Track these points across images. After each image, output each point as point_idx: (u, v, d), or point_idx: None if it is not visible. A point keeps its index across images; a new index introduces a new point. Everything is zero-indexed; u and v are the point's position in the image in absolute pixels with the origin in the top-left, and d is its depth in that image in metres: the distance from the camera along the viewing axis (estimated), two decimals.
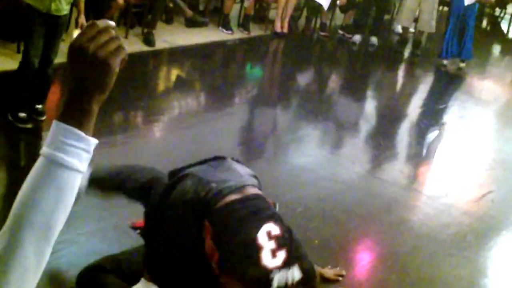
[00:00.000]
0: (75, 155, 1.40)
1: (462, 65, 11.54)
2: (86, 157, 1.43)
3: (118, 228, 4.66)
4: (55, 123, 1.41)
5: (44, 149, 1.42)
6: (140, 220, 4.54)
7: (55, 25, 5.87)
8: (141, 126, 7.19)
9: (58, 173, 1.39)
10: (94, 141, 1.43)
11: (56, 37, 5.99)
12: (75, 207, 1.49)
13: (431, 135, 8.29)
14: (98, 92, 1.41)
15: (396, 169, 7.08)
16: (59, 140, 1.39)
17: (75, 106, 1.40)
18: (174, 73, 9.52)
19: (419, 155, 7.76)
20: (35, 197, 1.38)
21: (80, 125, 1.39)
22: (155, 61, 9.44)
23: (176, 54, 9.58)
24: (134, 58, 8.49)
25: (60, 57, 6.17)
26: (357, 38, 12.13)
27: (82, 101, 1.40)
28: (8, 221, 1.39)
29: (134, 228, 4.52)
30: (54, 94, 6.87)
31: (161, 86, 8.90)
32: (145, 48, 9.12)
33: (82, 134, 1.40)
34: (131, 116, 7.35)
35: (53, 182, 1.38)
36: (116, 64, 1.41)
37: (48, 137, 1.41)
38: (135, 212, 4.74)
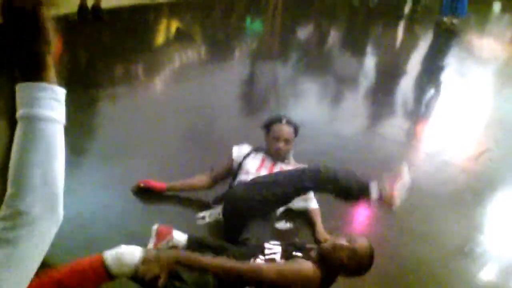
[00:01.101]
0: (45, 105, 1.43)
1: (455, 21, 11.50)
2: (56, 105, 1.47)
3: (122, 180, 4.69)
4: (18, 87, 1.43)
5: (18, 113, 1.44)
6: (149, 180, 4.59)
7: None
8: (142, 78, 7.18)
9: (35, 127, 1.42)
10: (60, 90, 1.48)
11: None
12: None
13: (431, 92, 8.30)
14: (41, 42, 1.42)
15: (396, 125, 7.11)
16: (25, 98, 1.42)
17: (27, 63, 1.43)
18: (175, 26, 9.48)
19: (418, 112, 7.78)
20: (26, 158, 1.40)
21: (39, 79, 1.43)
22: (155, 13, 9.39)
23: (177, 7, 9.53)
24: (135, 11, 8.46)
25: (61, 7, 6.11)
26: None
27: (30, 55, 1.42)
28: (9, 193, 1.39)
29: (145, 188, 4.55)
30: (56, 45, 6.83)
31: (162, 38, 8.87)
32: (145, 0, 9.07)
33: (44, 84, 1.43)
34: (133, 69, 7.34)
35: (34, 137, 1.41)
36: (42, 10, 1.40)
37: (16, 101, 1.43)
38: (139, 165, 4.80)
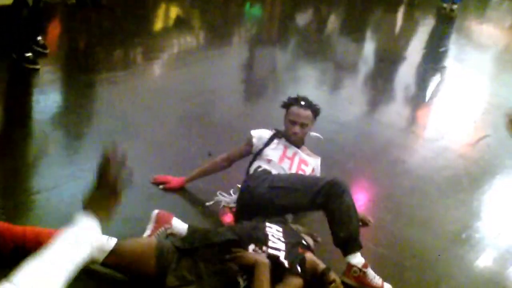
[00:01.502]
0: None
1: (455, 6, 11.49)
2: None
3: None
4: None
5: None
6: (166, 176, 4.58)
7: None
8: (141, 63, 7.18)
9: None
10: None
11: None
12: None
13: (429, 78, 8.31)
14: (112, 200, 1.98)
15: (394, 111, 7.12)
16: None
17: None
18: (174, 10, 9.46)
19: (417, 98, 7.79)
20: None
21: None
22: None
23: None
24: None
25: None
26: None
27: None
28: None
29: (156, 183, 4.55)
30: (55, 29, 6.86)
31: (161, 23, 8.86)
32: None
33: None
34: (131, 53, 7.34)
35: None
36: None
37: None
38: (139, 150, 4.79)
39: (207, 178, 4.58)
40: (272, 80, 7.40)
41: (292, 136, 4.44)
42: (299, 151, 4.47)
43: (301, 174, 4.34)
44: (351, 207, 3.86)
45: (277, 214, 4.03)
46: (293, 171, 4.31)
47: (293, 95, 4.56)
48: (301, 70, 7.74)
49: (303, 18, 10.28)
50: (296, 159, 4.40)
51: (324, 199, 3.84)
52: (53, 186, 4.24)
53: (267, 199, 3.99)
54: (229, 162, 4.61)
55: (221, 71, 7.17)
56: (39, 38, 6.41)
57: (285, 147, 4.44)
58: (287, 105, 4.51)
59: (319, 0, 11.73)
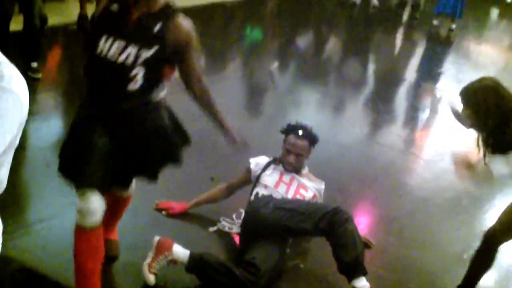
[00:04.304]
0: None
1: (453, 26, 11.54)
2: None
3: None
4: None
5: None
6: (169, 202, 4.61)
7: None
8: None
9: None
10: None
11: None
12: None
13: (429, 99, 8.33)
14: None
15: (394, 133, 7.15)
16: None
17: None
18: None
19: (416, 119, 7.82)
20: None
21: None
22: None
23: None
24: None
25: (61, 17, 6.16)
26: None
27: None
28: None
29: (159, 209, 4.58)
30: (56, 55, 6.90)
31: None
32: None
33: None
34: None
35: None
36: None
37: None
38: None
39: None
40: (273, 104, 7.43)
41: (287, 165, 4.48)
42: (297, 176, 4.50)
43: (306, 200, 4.37)
44: (355, 232, 3.89)
45: (280, 235, 4.06)
46: (290, 195, 4.35)
47: (293, 122, 4.60)
48: (302, 93, 7.78)
49: (303, 41, 10.33)
50: (294, 184, 4.44)
51: (328, 225, 3.87)
52: (54, 215, 4.25)
53: (272, 219, 4.02)
54: (230, 190, 4.68)
55: (221, 94, 7.14)
56: (35, 64, 6.39)
57: (282, 173, 4.48)
58: (286, 131, 4.57)
59: (319, 23, 11.79)
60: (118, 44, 3.16)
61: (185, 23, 3.33)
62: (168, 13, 3.26)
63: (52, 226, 4.13)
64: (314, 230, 3.96)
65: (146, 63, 3.20)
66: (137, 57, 3.17)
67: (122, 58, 3.14)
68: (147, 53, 3.18)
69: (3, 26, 6.22)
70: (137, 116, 3.40)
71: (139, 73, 3.21)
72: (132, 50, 3.16)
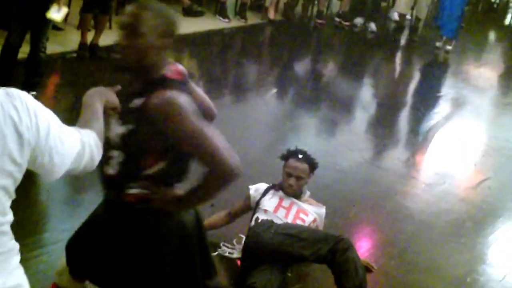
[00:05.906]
0: None
1: (449, 48, 11.57)
2: None
3: None
4: None
5: None
6: None
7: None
8: None
9: None
10: None
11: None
12: None
13: (428, 123, 8.33)
14: None
15: (394, 157, 7.13)
16: None
17: None
18: (172, 59, 9.50)
19: (416, 143, 7.80)
20: None
21: None
22: None
23: (173, 43, 9.58)
24: None
25: (59, 46, 6.17)
26: (358, 21, 12.21)
27: None
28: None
29: None
30: (54, 83, 6.91)
31: None
32: None
33: None
34: None
35: None
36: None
37: None
38: None
39: None
40: (271, 130, 7.41)
41: (287, 188, 4.50)
42: (296, 201, 4.51)
43: (308, 226, 4.37)
44: (357, 259, 3.91)
45: (281, 260, 4.06)
46: (289, 220, 4.35)
47: (292, 147, 4.64)
48: (300, 118, 7.78)
49: (301, 66, 10.34)
50: (294, 209, 4.45)
51: (330, 252, 3.89)
52: (55, 241, 4.24)
53: (272, 244, 4.03)
54: (230, 217, 4.70)
55: (219, 120, 7.17)
56: (34, 93, 6.37)
57: (281, 198, 4.50)
58: (285, 157, 4.60)
59: (317, 48, 11.81)
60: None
61: (163, 103, 2.71)
62: (155, 86, 2.78)
63: (52, 252, 4.12)
64: (315, 257, 3.97)
65: (123, 144, 2.76)
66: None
67: None
68: (118, 129, 2.76)
69: (10, 58, 6.26)
70: (117, 214, 2.95)
71: (114, 155, 2.79)
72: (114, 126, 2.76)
